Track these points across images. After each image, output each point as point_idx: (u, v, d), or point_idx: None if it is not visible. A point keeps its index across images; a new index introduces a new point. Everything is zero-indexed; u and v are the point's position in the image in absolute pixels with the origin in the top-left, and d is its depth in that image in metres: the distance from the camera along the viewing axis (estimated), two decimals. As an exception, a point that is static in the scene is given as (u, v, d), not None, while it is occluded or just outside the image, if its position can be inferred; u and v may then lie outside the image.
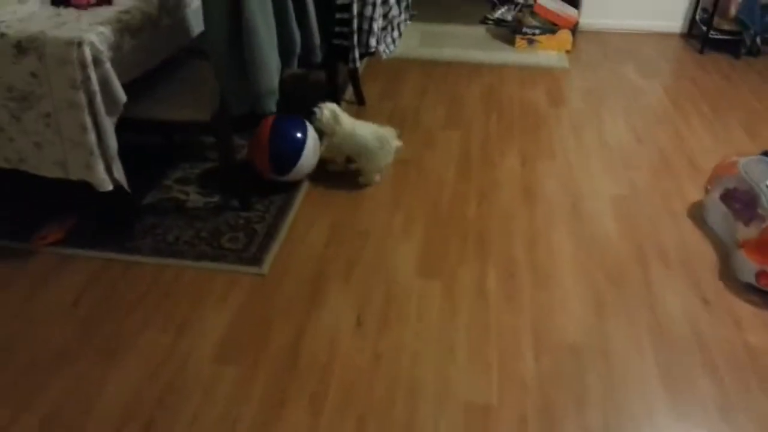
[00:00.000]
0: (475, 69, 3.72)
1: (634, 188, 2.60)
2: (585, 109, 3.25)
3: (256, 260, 2.13)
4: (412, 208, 2.45)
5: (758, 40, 3.84)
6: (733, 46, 3.89)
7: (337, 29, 2.68)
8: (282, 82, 2.23)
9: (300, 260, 2.17)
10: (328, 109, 2.54)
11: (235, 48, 2.05)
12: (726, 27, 3.86)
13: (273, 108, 2.14)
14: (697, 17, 4.09)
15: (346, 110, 3.14)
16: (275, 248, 2.20)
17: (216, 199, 2.45)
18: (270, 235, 2.25)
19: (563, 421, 1.63)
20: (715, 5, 3.80)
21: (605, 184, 2.62)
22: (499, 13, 4.39)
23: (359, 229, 2.33)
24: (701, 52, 3.94)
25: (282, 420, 1.62)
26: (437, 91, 3.43)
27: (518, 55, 3.89)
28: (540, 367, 1.78)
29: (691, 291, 2.07)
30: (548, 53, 3.90)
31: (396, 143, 2.54)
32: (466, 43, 4.06)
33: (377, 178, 2.60)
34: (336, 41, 2.73)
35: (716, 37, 3.90)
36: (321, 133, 2.58)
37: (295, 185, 2.55)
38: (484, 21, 4.40)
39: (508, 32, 4.15)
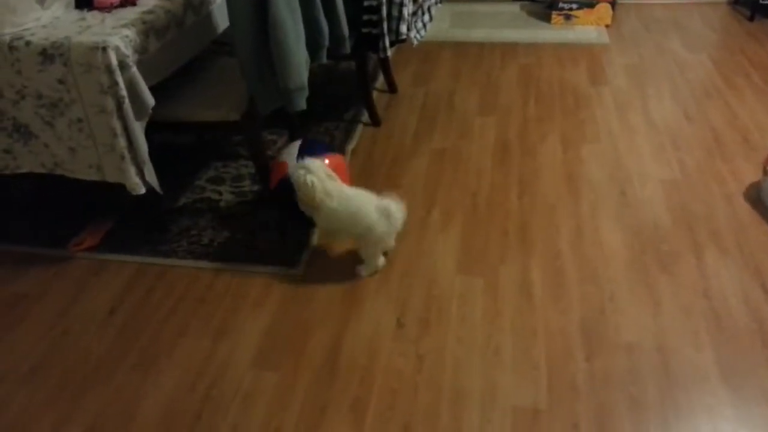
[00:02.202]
0: (510, 49, 3.57)
1: (685, 170, 2.45)
2: (628, 87, 3.09)
3: (292, 261, 2.09)
4: (449, 202, 2.36)
5: (815, 3, 3.58)
6: (787, 11, 3.65)
7: (365, 17, 2.59)
8: (310, 75, 2.16)
9: (337, 260, 2.11)
10: (311, 175, 1.92)
11: (262, 44, 1.99)
12: (779, -9, 3.62)
13: (303, 105, 2.08)
14: (747, -18, 3.85)
15: (378, 100, 3.08)
16: (311, 248, 2.15)
17: (249, 197, 2.41)
18: (305, 234, 2.20)
19: (618, 426, 1.54)
20: (766, -32, 3.55)
21: (654, 168, 2.48)
22: (532, -11, 4.21)
23: (396, 225, 2.25)
24: (751, 19, 3.70)
25: (324, 428, 1.58)
26: (471, 75, 3.31)
27: (555, 32, 3.72)
28: (591, 368, 1.69)
29: (751, 279, 1.94)
30: (587, 29, 3.73)
31: (402, 215, 1.96)
32: (499, 23, 3.91)
33: (382, 261, 2.04)
34: (365, 30, 2.64)
35: (767, 2, 3.66)
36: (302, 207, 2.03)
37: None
38: (517, -2, 4.23)
39: (543, 8, 3.98)
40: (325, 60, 2.32)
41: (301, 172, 1.94)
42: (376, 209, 1.93)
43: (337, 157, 2.24)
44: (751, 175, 2.40)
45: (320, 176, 1.93)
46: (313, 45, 2.21)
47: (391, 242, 2.03)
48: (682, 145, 2.61)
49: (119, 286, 2.06)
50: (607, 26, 3.74)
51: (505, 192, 2.40)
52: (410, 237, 2.19)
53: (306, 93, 2.08)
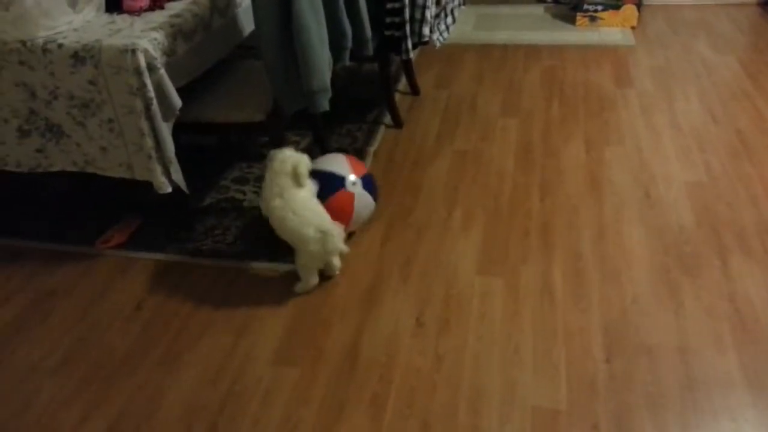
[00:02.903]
0: (534, 51, 3.56)
1: (710, 173, 2.42)
2: (654, 90, 3.05)
3: (313, 260, 2.11)
4: (470, 202, 2.37)
5: None
6: (819, 11, 3.58)
7: (388, 20, 2.61)
8: (333, 76, 2.19)
9: (357, 258, 2.13)
10: (290, 160, 1.89)
11: (287, 46, 2.02)
12: (811, -9, 3.55)
13: (326, 106, 2.11)
14: (777, -18, 3.78)
15: (400, 102, 3.11)
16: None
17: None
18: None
19: (638, 427, 1.53)
20: (797, -32, 3.49)
21: (679, 170, 2.45)
22: (557, -8, 4.19)
23: (417, 226, 2.27)
24: (782, 20, 3.64)
25: (343, 423, 1.59)
26: (494, 77, 3.31)
27: (579, 34, 3.70)
28: (612, 369, 1.68)
29: (779, 284, 1.91)
30: (612, 30, 3.70)
31: (342, 247, 1.91)
32: (523, 25, 3.90)
33: (314, 281, 1.97)
34: (388, 32, 2.66)
35: (799, 3, 3.59)
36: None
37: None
38: (541, 0, 4.22)
39: (568, 10, 3.96)
40: (348, 62, 2.35)
41: (285, 155, 1.91)
42: (316, 228, 1.86)
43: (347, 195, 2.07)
44: (779, 177, 2.36)
45: (299, 166, 1.88)
46: (336, 47, 2.24)
47: (332, 267, 2.00)
48: (707, 148, 2.57)
49: (145, 282, 2.11)
50: (632, 28, 3.71)
51: (527, 193, 2.40)
52: (431, 237, 2.21)
53: (329, 94, 2.11)
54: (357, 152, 2.69)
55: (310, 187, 1.96)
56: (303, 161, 1.91)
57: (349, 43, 2.32)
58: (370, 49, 2.44)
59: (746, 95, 2.94)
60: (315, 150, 2.67)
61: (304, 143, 2.78)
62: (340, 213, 2.02)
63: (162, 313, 1.98)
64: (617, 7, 3.67)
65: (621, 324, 1.81)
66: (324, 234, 1.87)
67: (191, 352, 1.84)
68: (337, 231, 1.89)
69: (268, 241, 2.22)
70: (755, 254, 2.02)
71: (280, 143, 2.27)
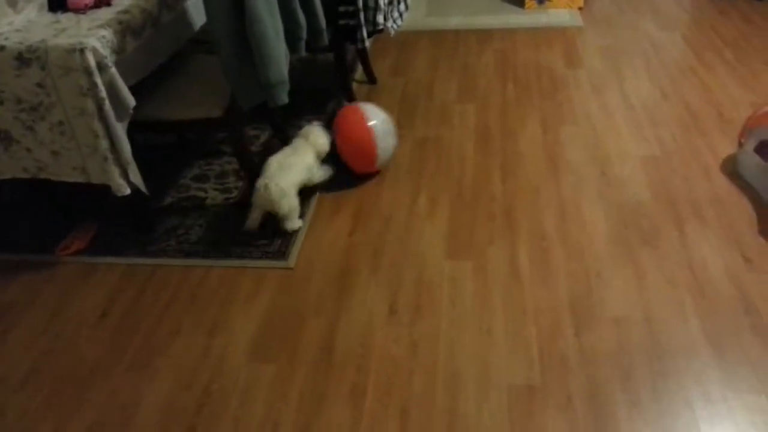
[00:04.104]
0: (486, 35, 3.60)
1: (663, 147, 2.51)
2: (604, 68, 3.13)
3: (282, 254, 2.10)
4: (434, 189, 2.39)
5: (781, -22, 3.66)
6: (754, -13, 3.72)
7: (342, 9, 2.59)
8: (289, 68, 2.17)
9: (326, 251, 2.12)
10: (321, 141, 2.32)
11: (241, 39, 1.98)
12: (746, -33, 3.68)
13: (285, 98, 2.08)
14: (714, -40, 3.91)
15: (357, 91, 3.09)
16: (300, 240, 2.16)
17: (235, 194, 2.41)
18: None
19: (610, 398, 1.58)
20: (732, -55, 3.62)
21: (633, 146, 2.53)
22: (505, -25, 4.23)
23: (383, 215, 2.27)
24: (721, -4, 3.78)
25: (323, 416, 1.60)
26: (449, 62, 3.33)
27: (529, 16, 3.75)
28: (581, 343, 1.73)
29: (732, 249, 1.99)
30: (560, 12, 3.76)
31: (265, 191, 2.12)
32: (474, 9, 3.93)
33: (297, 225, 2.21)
34: (342, 21, 2.65)
35: (736, -21, 3.72)
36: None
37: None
38: (490, -16, 4.25)
39: (517, -6, 4.01)
40: (304, 53, 2.33)
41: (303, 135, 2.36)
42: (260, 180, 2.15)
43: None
44: (727, 148, 2.46)
45: (312, 144, 2.33)
46: (291, 38, 2.21)
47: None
48: (659, 123, 2.66)
49: (109, 288, 2.05)
50: (580, 8, 3.78)
51: (488, 177, 2.43)
52: (398, 225, 2.22)
53: (287, 87, 2.09)
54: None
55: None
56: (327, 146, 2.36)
57: (304, 34, 2.30)
58: (326, 39, 2.42)
59: (692, 70, 3.05)
60: (275, 144, 2.64)
61: (263, 137, 2.74)
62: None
63: (129, 318, 1.94)
64: (565, -11, 3.74)
65: (587, 299, 1.86)
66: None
67: (163, 355, 1.80)
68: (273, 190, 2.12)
69: (234, 237, 2.19)
70: (709, 223, 2.11)
71: (240, 139, 2.24)
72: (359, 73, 3.24)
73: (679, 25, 3.53)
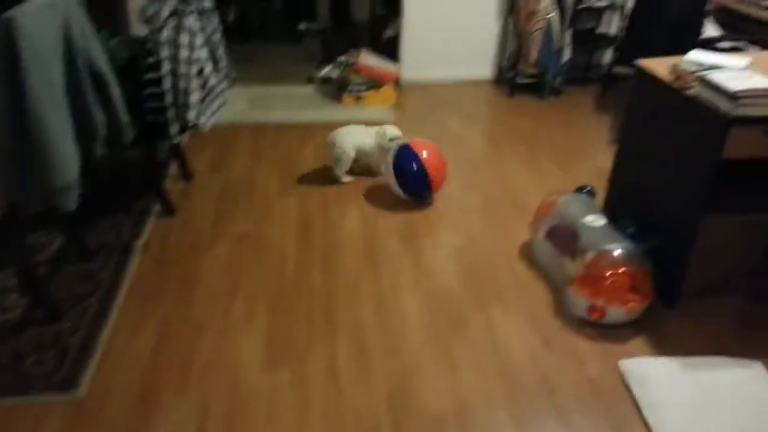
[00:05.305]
0: (307, 130, 3.69)
1: (470, 236, 2.68)
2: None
3: (70, 383, 1.83)
4: (253, 290, 2.30)
5: (557, 81, 4.25)
6: (537, 88, 4.27)
7: (148, 105, 2.49)
8: (92, 163, 2.00)
9: (126, 372, 1.90)
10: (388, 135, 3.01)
11: (21, 138, 1.79)
12: (529, 71, 4.23)
13: (73, 204, 1.90)
14: (504, 64, 4.45)
15: (172, 187, 2.95)
16: (94, 364, 1.92)
17: (16, 313, 2.10)
18: (86, 348, 1.96)
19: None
20: (518, 53, 4.16)
21: (445, 235, 2.67)
22: (324, 72, 4.44)
23: (195, 322, 2.12)
24: (511, 96, 4.28)
25: None
26: (271, 156, 3.34)
27: (347, 112, 3.93)
28: (401, 444, 1.70)
29: (532, 332, 2.13)
30: (376, 108, 3.99)
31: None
32: (295, 104, 4.03)
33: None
34: (150, 117, 2.54)
35: (522, 81, 4.26)
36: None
37: (115, 279, 2.28)
38: (310, 80, 4.42)
39: (335, 90, 4.20)
40: (101, 152, 2.17)
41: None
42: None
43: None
44: (523, 234, 2.69)
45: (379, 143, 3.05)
46: (84, 136, 2.05)
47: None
48: (465, 213, 2.86)
49: None
50: (393, 105, 4.05)
51: (309, 272, 2.40)
52: (212, 333, 2.07)
53: (76, 190, 1.91)
54: (123, 247, 2.46)
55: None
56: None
57: (102, 131, 2.15)
58: (129, 137, 2.29)
59: (490, 162, 3.35)
60: (70, 254, 2.39)
61: (56, 243, 2.47)
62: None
63: None
64: (377, 88, 3.99)
65: (404, 394, 1.86)
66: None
67: None
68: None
69: (11, 367, 1.88)
70: (512, 308, 2.25)
71: (22, 247, 1.99)
72: (175, 167, 3.11)
73: (479, 121, 3.91)
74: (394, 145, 2.95)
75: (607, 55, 4.49)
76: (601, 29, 4.48)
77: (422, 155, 2.81)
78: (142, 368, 1.92)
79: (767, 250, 2.24)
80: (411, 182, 2.83)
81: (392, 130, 3.03)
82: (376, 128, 3.06)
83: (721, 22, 3.54)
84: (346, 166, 3.03)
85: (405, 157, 2.82)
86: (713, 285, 2.29)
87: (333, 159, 3.03)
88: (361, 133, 3.04)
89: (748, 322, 2.19)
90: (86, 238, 2.47)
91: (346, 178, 3.06)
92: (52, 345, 1.97)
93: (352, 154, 3.01)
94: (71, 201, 1.88)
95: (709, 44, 3.24)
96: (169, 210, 2.73)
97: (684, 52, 2.36)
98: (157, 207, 2.76)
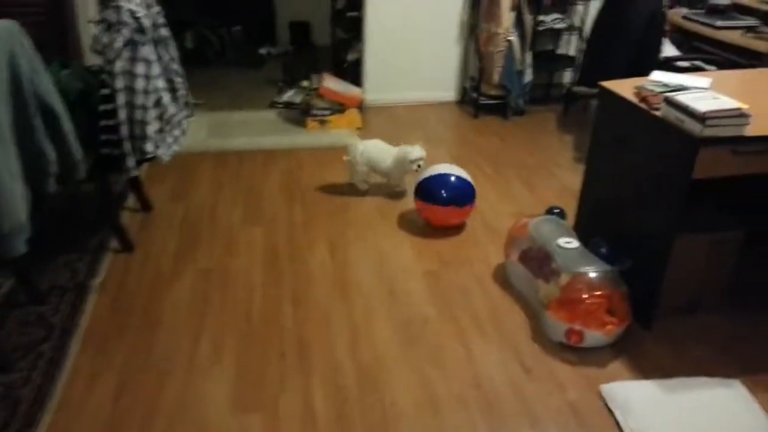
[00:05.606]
0: (270, 156, 3.60)
1: (442, 261, 2.63)
2: (383, 184, 3.27)
3: (23, 442, 1.70)
4: (219, 329, 2.19)
5: (520, 101, 4.28)
6: (500, 108, 4.29)
7: (103, 137, 2.37)
8: (43, 199, 1.87)
9: (84, 425, 1.77)
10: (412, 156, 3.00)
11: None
12: (492, 92, 4.25)
13: (22, 248, 1.77)
14: (467, 86, 4.47)
15: (130, 221, 2.82)
16: (47, 419, 1.77)
17: (-39, 366, 1.95)
18: (39, 401, 1.82)
19: None
20: (480, 74, 4.17)
21: (416, 262, 2.61)
22: (287, 96, 4.37)
23: (157, 369, 1.99)
24: (475, 116, 4.28)
25: None
26: (233, 185, 3.24)
27: (312, 136, 3.86)
28: (383, 489, 1.62)
29: (512, 360, 2.08)
30: (341, 132, 3.94)
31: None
32: (257, 130, 3.95)
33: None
34: (105, 150, 2.42)
35: (485, 102, 4.27)
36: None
37: (70, 323, 2.14)
38: (273, 105, 4.34)
39: (299, 114, 4.13)
40: (53, 189, 2.05)
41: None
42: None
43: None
44: (496, 257, 2.65)
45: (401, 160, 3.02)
46: (35, 175, 1.93)
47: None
48: (437, 237, 2.81)
49: None
50: (359, 129, 4.00)
51: (278, 307, 2.30)
52: (176, 378, 1.96)
53: (26, 233, 1.78)
54: (78, 288, 2.33)
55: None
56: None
57: (54, 168, 2.04)
58: (82, 172, 2.18)
59: (459, 184, 3.32)
60: (21, 297, 2.24)
61: (5, 287, 2.31)
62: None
63: None
64: (342, 111, 3.94)
65: (385, 435, 1.78)
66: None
67: None
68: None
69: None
70: (489, 334, 2.20)
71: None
72: (132, 199, 2.98)
73: (445, 142, 3.90)
74: (413, 168, 2.94)
75: (567, 76, 4.56)
76: (561, 50, 4.55)
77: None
78: (102, 420, 1.78)
79: (735, 266, 2.26)
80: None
81: (417, 152, 2.97)
82: (399, 148, 3.04)
83: (677, 43, 3.63)
84: (359, 176, 3.12)
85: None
86: (687, 304, 2.29)
87: (348, 166, 3.12)
88: (379, 150, 3.08)
89: (722, 339, 2.19)
90: (38, 279, 2.32)
91: (363, 186, 3.16)
92: (3, 397, 1.82)
93: (363, 168, 3.09)
94: (20, 245, 1.75)
95: (669, 63, 3.31)
96: (127, 245, 2.60)
97: (643, 72, 2.38)
98: (114, 243, 2.62)
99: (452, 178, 2.80)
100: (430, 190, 2.79)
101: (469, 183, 2.84)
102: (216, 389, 1.92)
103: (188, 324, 2.20)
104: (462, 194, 2.80)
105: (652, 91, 2.16)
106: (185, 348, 2.09)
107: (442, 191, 2.77)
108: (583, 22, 4.28)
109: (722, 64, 3.32)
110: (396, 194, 3.15)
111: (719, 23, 3.57)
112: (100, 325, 2.17)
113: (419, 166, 2.96)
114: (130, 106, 2.33)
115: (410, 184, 3.06)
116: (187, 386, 1.92)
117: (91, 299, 2.30)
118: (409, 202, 3.10)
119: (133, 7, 2.21)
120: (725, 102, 1.88)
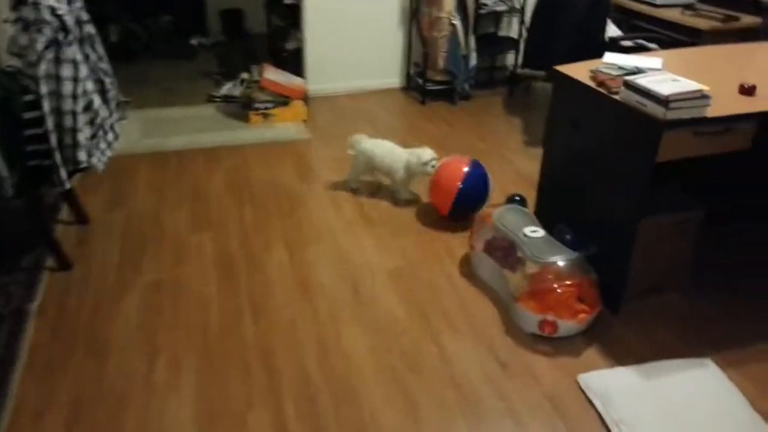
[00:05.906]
0: (213, 154, 3.41)
1: (406, 257, 2.55)
2: (337, 181, 3.16)
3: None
4: (175, 346, 2.03)
5: (466, 86, 4.23)
6: (447, 94, 4.24)
7: (30, 148, 2.15)
8: None
9: (34, 469, 1.60)
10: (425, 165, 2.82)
11: None
12: (438, 78, 4.19)
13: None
14: (412, 72, 4.39)
15: (65, 235, 2.59)
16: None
17: None
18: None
19: None
20: (425, 60, 4.10)
21: (379, 259, 2.53)
22: (225, 90, 4.16)
23: (111, 397, 1.83)
24: (423, 102, 4.21)
25: None
26: (176, 187, 3.04)
27: (256, 131, 3.69)
28: (370, 508, 1.54)
29: (487, 356, 2.04)
30: (286, 125, 3.78)
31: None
32: (196, 126, 3.73)
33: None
34: (33, 162, 2.19)
35: (432, 88, 4.20)
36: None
37: (8, 353, 1.94)
38: (210, 99, 4.12)
39: (240, 108, 3.94)
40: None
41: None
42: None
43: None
44: (459, 249, 2.60)
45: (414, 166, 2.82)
46: (-47, 196, 1.71)
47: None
48: (398, 232, 2.73)
49: None
50: (304, 121, 3.86)
51: (238, 318, 2.17)
52: (134, 405, 1.80)
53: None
54: (14, 314, 2.11)
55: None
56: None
57: (-25, 187, 1.82)
58: (9, 190, 1.96)
59: (414, 175, 3.25)
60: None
61: (-71, 321, 2.08)
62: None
63: None
64: (286, 104, 3.78)
65: (366, 449, 1.69)
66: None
67: None
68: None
69: None
70: (461, 330, 2.15)
71: None
72: (66, 212, 2.75)
73: (393, 129, 3.81)
74: (428, 170, 2.78)
75: (510, 58, 4.55)
76: (502, 32, 4.53)
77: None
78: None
79: (698, 246, 2.29)
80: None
81: (429, 153, 2.80)
82: (410, 152, 2.85)
83: (617, 22, 3.66)
84: (353, 173, 3.00)
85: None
86: (652, 285, 2.30)
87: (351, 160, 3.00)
88: (385, 150, 2.90)
89: (689, 318, 2.22)
90: (-35, 308, 2.10)
91: (353, 184, 3.04)
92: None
93: (361, 167, 2.96)
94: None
95: (614, 44, 3.33)
96: (64, 263, 2.38)
97: (588, 52, 2.36)
98: (50, 261, 2.41)
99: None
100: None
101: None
102: (179, 413, 1.78)
103: (140, 344, 2.04)
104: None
105: (608, 74, 2.14)
106: (140, 370, 1.93)
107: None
108: (524, 3, 4.27)
109: (664, 42, 3.37)
110: (404, 202, 2.95)
111: (659, 1, 3.63)
112: (42, 354, 1.98)
113: (433, 166, 2.79)
114: (58, 112, 2.11)
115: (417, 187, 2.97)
116: (146, 412, 1.77)
117: (30, 325, 2.09)
118: (367, 196, 3.00)
119: (53, 3, 1.99)
120: (686, 84, 1.87)
